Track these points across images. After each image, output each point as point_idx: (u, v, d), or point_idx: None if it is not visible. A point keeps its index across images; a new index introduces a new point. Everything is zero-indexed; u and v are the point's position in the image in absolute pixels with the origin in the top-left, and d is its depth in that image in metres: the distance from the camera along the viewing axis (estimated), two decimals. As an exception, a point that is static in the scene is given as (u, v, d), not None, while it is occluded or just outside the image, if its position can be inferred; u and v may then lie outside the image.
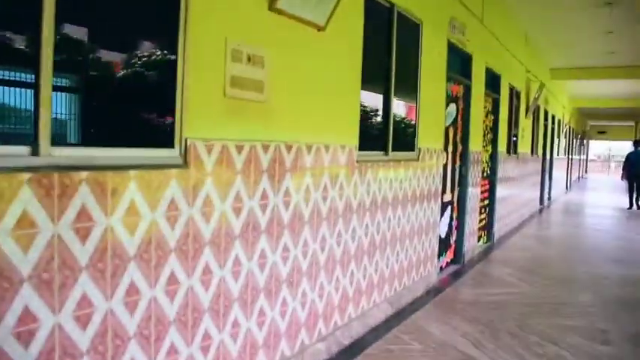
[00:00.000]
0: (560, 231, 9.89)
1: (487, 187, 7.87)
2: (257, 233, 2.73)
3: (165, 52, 2.26)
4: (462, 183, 6.39)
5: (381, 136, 4.17)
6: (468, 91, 6.33)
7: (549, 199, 14.71)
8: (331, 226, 3.41)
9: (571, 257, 7.29)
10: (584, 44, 10.44)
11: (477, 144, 6.82)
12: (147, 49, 2.23)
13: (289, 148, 2.94)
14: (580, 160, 29.81)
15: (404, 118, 4.63)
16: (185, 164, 2.29)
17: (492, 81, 7.58)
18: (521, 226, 9.91)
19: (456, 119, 6.11)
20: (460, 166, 6.34)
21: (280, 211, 2.90)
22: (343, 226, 3.56)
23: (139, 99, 2.24)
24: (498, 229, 8.41)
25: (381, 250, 4.14)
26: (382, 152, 4.14)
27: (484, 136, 7.51)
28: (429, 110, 4.96)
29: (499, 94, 7.96)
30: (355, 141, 3.65)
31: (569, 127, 20.08)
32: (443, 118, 5.41)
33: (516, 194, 9.81)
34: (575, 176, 25.25)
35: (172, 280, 2.24)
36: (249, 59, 2.62)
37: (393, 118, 4.24)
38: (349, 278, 3.70)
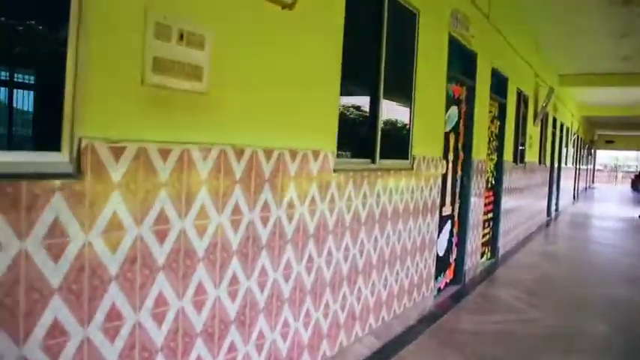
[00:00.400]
0: (568, 246, 9.21)
1: (492, 198, 7.23)
2: (192, 263, 2.12)
3: (50, 20, 1.66)
4: (464, 195, 5.76)
5: (367, 142, 3.55)
6: (471, 93, 5.71)
7: (557, 210, 14.04)
8: (298, 251, 2.79)
9: (582, 277, 6.62)
10: (596, 48, 9.79)
11: (481, 152, 6.19)
12: (23, 15, 1.62)
13: (240, 153, 2.32)
14: (587, 169, 29.12)
15: (396, 122, 4.01)
16: (78, 173, 1.68)
17: (499, 84, 6.96)
18: (527, 240, 9.25)
19: (457, 124, 5.49)
20: (462, 177, 5.71)
21: (227, 235, 2.28)
22: (316, 250, 2.94)
23: (11, 83, 1.64)
24: (503, 245, 7.75)
25: (365, 275, 3.51)
26: (368, 160, 3.53)
27: (489, 143, 6.88)
28: (426, 113, 4.34)
29: (506, 99, 7.33)
30: (332, 146, 3.03)
31: (578, 136, 19.40)
32: (442, 123, 4.79)
33: (523, 206, 9.16)
34: (582, 186, 24.53)
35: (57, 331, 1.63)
36: (181, 37, 2.01)
37: (383, 121, 3.62)
38: (324, 311, 3.08)
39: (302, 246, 2.81)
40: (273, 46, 2.50)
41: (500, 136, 7.32)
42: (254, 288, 2.48)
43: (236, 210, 2.32)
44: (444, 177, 5.17)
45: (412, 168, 4.12)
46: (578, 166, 20.54)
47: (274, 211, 2.56)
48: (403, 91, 4.05)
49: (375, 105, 3.54)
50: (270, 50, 2.48)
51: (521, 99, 8.52)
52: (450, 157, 5.31)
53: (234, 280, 2.35)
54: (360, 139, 3.53)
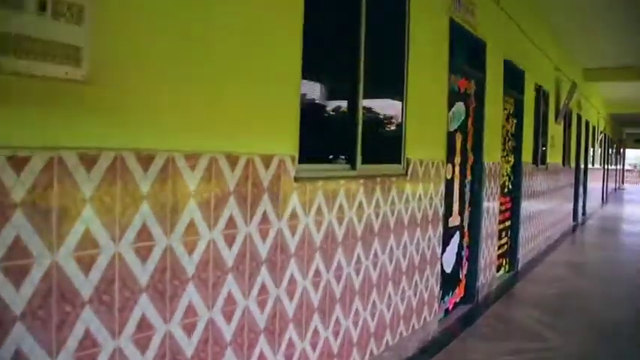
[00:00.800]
0: (597, 255, 8.39)
1: (509, 205, 6.54)
2: (78, 302, 1.56)
3: None
4: (475, 202, 5.10)
5: (344, 144, 2.97)
6: (481, 87, 5.07)
7: (584, 214, 13.14)
8: (245, 282, 2.21)
9: (614, 294, 5.86)
10: (623, 40, 8.98)
11: (494, 153, 5.52)
12: None
13: (147, 160, 1.76)
14: (616, 170, 27.82)
15: (383, 120, 3.42)
16: None
17: (514, 78, 6.28)
18: (551, 249, 8.47)
19: (465, 122, 4.85)
20: (471, 182, 5.06)
21: (130, 267, 1.72)
22: (272, 279, 2.36)
23: None
24: (523, 255, 7.03)
25: (344, 305, 2.91)
26: (346, 166, 2.93)
27: (504, 143, 6.21)
28: (423, 109, 3.73)
29: (523, 94, 6.65)
30: (291, 149, 2.46)
31: (605, 134, 18.37)
32: (444, 121, 4.16)
33: (546, 211, 8.40)
34: (611, 188, 23.35)
35: None
36: (42, 7, 1.47)
37: (365, 119, 3.03)
38: (285, 353, 2.49)
39: (251, 276, 2.23)
40: (194, 21, 1.94)
41: (517, 136, 6.63)
42: (176, 333, 1.92)
43: (144, 235, 1.76)
44: (450, 183, 4.53)
45: (406, 174, 3.51)
46: (606, 167, 19.48)
47: (205, 235, 2.00)
48: (392, 84, 3.45)
49: (353, 99, 2.95)
50: (191, 26, 1.92)
51: (541, 95, 7.80)
52: (457, 160, 4.67)
53: (141, 326, 1.78)
54: (336, 141, 2.95)
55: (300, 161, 2.54)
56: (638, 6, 7.00)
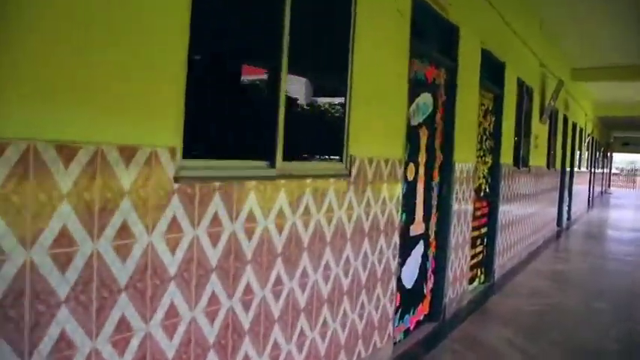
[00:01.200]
0: (582, 264, 7.86)
1: (485, 210, 5.97)
2: None
3: None
4: (443, 207, 4.51)
5: (259, 135, 2.35)
6: (452, 77, 4.48)
7: (569, 219, 12.65)
8: (95, 319, 1.59)
9: (601, 310, 5.29)
10: (614, 38, 8.45)
11: (467, 153, 4.94)
12: None
13: None
14: (603, 173, 27.51)
15: (319, 106, 2.81)
16: None
17: (492, 70, 5.71)
18: (533, 256, 7.92)
19: (432, 116, 4.26)
20: (440, 184, 4.48)
21: None
22: (138, 311, 1.74)
23: None
24: (501, 265, 6.47)
25: (255, 338, 2.30)
26: (262, 162, 2.32)
27: (481, 142, 5.64)
28: (374, 97, 3.12)
29: (503, 89, 6.08)
30: (172, 138, 1.84)
31: (593, 137, 17.95)
32: (403, 113, 3.56)
33: (527, 216, 7.86)
34: (597, 192, 23.00)
35: None
36: None
37: (289, 102, 2.41)
38: (161, 410, 1.87)
39: (100, 310, 1.61)
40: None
41: (496, 135, 6.06)
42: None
43: None
44: (412, 185, 3.95)
45: (349, 174, 2.90)
46: (592, 170, 19.08)
47: (16, 255, 1.37)
48: (330, 63, 2.84)
49: (274, 75, 2.33)
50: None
51: (524, 91, 7.25)
52: (421, 158, 4.08)
53: None
54: (248, 131, 2.34)
55: (190, 155, 1.93)
56: (630, 4, 6.48)
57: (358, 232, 3.03)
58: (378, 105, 3.16)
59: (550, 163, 9.64)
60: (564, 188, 11.79)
